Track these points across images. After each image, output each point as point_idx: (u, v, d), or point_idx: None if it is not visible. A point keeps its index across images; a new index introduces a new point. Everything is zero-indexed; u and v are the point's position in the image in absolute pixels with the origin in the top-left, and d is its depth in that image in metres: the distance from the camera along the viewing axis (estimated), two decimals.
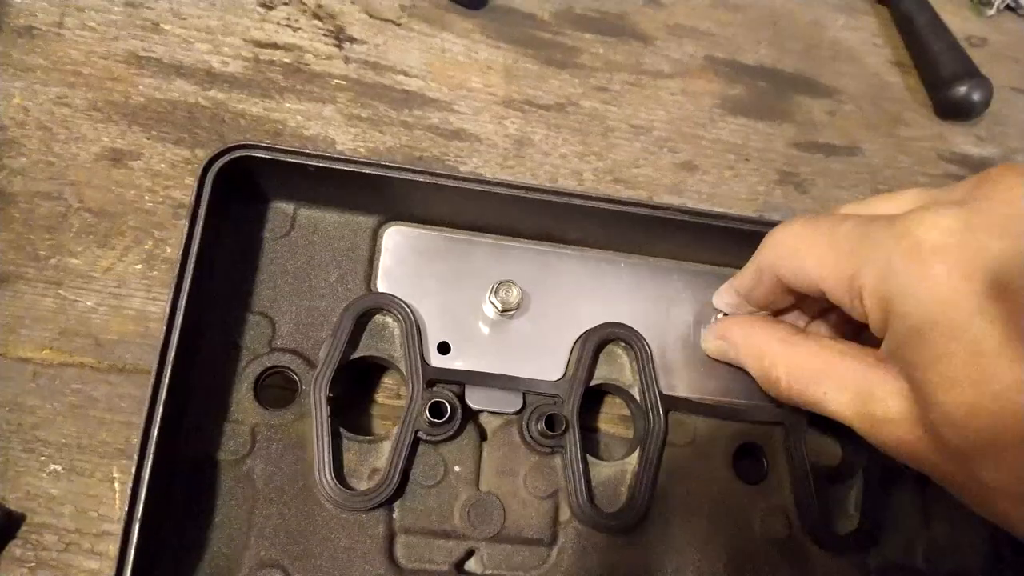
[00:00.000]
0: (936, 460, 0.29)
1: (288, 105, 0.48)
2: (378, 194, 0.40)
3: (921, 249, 0.26)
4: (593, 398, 0.45)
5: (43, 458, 0.38)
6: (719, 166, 0.53)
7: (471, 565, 0.38)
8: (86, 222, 0.43)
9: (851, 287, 0.29)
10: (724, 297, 0.41)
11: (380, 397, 0.42)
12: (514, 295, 0.39)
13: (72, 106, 0.45)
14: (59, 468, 0.38)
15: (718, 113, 0.55)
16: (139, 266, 0.42)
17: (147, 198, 0.44)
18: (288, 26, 0.50)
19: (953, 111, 0.57)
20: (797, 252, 0.32)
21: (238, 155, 0.36)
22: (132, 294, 0.42)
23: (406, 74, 0.51)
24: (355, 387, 0.42)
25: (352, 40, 0.51)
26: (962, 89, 0.56)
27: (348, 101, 0.49)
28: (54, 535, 0.37)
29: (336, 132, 0.48)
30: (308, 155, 0.37)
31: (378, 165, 0.38)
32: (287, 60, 0.49)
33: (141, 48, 0.48)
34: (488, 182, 0.40)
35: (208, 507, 0.36)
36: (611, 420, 0.45)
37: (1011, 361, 0.25)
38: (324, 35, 0.51)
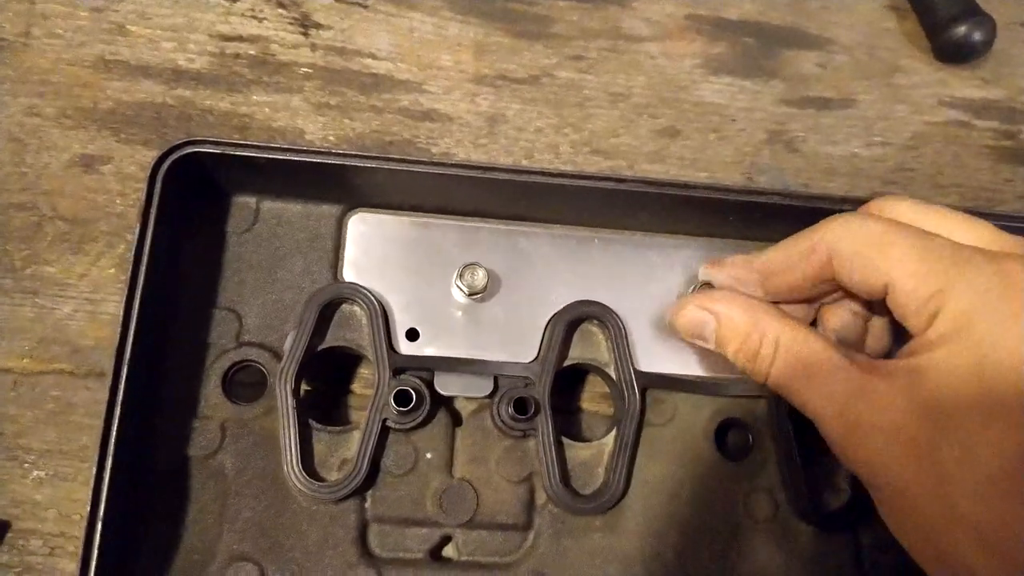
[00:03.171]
0: (919, 482, 0.29)
1: (255, 98, 0.48)
2: (340, 183, 0.39)
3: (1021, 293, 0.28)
4: (575, 378, 0.44)
5: (26, 465, 0.39)
6: (703, 129, 0.52)
7: (448, 552, 0.38)
8: (60, 230, 0.43)
9: (930, 301, 0.30)
10: (729, 271, 0.38)
11: (357, 387, 0.42)
12: (480, 278, 0.39)
13: (42, 115, 0.46)
14: (42, 474, 0.39)
15: (701, 74, 0.53)
16: (112, 270, 0.43)
17: (118, 202, 0.44)
18: (253, 17, 0.50)
19: (954, 54, 0.54)
20: (875, 247, 0.32)
21: (186, 152, 0.36)
22: (107, 299, 0.42)
23: (374, 57, 0.50)
24: (332, 378, 0.42)
25: (318, 26, 0.50)
26: (961, 29, 0.53)
27: (316, 89, 0.49)
28: (39, 540, 0.38)
29: (305, 122, 0.48)
30: (257, 147, 0.37)
31: (330, 153, 0.37)
32: (253, 52, 0.49)
33: (108, 52, 0.48)
34: (450, 164, 0.39)
35: (180, 503, 0.36)
36: (594, 399, 0.44)
37: None
38: (289, 23, 0.50)
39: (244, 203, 0.40)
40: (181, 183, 0.37)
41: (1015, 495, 0.27)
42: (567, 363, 0.40)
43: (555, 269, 0.41)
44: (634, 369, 0.39)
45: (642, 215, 0.42)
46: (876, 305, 0.36)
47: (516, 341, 0.40)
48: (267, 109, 0.48)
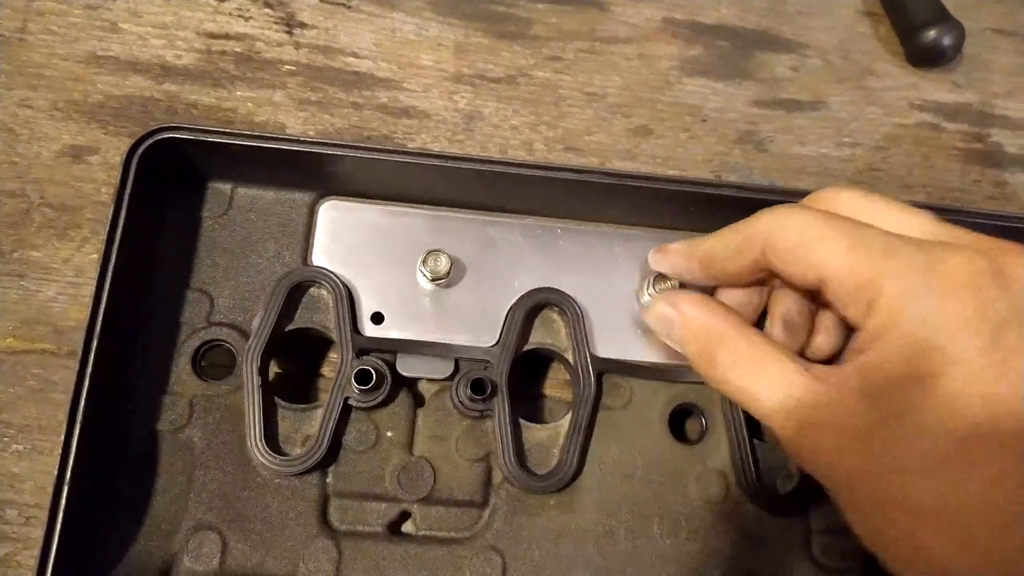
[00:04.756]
0: (871, 475, 0.30)
1: (239, 93, 0.50)
2: (312, 171, 0.41)
3: (952, 281, 0.29)
4: (539, 365, 0.45)
5: (6, 439, 0.41)
6: (675, 129, 0.53)
7: (407, 527, 0.39)
8: (47, 217, 0.45)
9: (862, 291, 0.31)
10: (672, 259, 0.39)
11: (327, 371, 0.44)
12: (442, 264, 0.40)
13: (35, 107, 0.48)
14: (21, 448, 0.41)
15: (675, 76, 0.55)
16: (95, 256, 0.44)
17: (103, 191, 0.46)
18: (240, 16, 0.52)
19: (925, 58, 0.55)
20: (807, 239, 0.32)
21: (162, 138, 0.38)
22: (89, 282, 0.44)
23: (356, 55, 0.52)
24: (303, 361, 0.43)
25: (303, 25, 0.52)
26: (931, 34, 0.54)
27: (298, 86, 0.51)
28: (15, 510, 0.40)
29: (286, 117, 0.50)
30: (231, 134, 0.39)
31: (301, 141, 0.39)
32: (239, 49, 0.51)
33: (99, 48, 0.50)
34: (418, 153, 0.41)
35: (149, 475, 0.38)
36: (557, 386, 0.45)
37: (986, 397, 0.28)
38: (275, 23, 0.52)
39: (219, 189, 0.42)
40: (158, 168, 0.39)
41: (955, 464, 0.28)
42: (527, 348, 0.41)
43: (520, 258, 0.42)
44: (591, 354, 0.40)
45: (605, 207, 0.43)
46: (820, 296, 0.37)
47: (478, 326, 0.41)
48: (250, 104, 0.50)
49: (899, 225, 0.33)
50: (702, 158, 0.52)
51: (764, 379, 0.32)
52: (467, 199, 0.43)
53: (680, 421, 0.43)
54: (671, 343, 0.37)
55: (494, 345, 0.40)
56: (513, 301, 0.41)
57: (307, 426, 0.39)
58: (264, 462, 0.37)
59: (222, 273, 0.41)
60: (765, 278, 0.37)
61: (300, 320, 0.40)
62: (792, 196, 0.41)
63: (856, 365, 0.31)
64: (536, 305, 0.41)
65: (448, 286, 0.41)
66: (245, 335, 0.39)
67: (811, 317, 0.37)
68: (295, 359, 0.43)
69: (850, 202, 0.34)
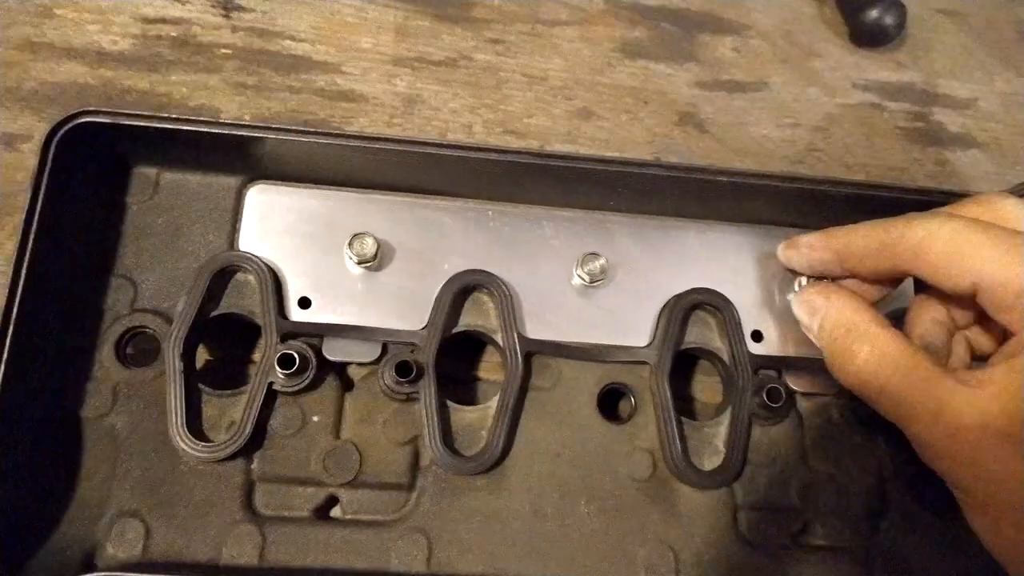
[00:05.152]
0: (1003, 484, 0.30)
1: (174, 78, 0.49)
2: (239, 154, 0.41)
3: None
4: (476, 347, 0.45)
5: None
6: (616, 111, 0.53)
7: (335, 512, 0.39)
8: None
9: (1021, 296, 0.31)
10: (807, 252, 0.39)
11: (257, 356, 0.44)
12: (368, 246, 0.40)
13: None
14: None
15: (617, 58, 0.54)
16: None
17: None
18: (177, 0, 0.51)
19: (868, 38, 0.55)
20: (962, 245, 0.33)
21: (78, 122, 0.37)
22: None
23: (294, 39, 0.52)
24: (233, 347, 0.43)
25: (240, 9, 0.52)
26: (873, 13, 0.54)
27: (234, 70, 0.50)
28: None
29: (221, 101, 0.49)
30: (149, 117, 0.38)
31: (221, 123, 0.39)
32: (175, 34, 0.51)
33: (34, 34, 0.49)
34: (347, 136, 0.41)
35: (73, 461, 0.37)
36: (492, 368, 0.45)
37: None
38: (212, 6, 0.52)
39: (145, 174, 0.41)
40: (79, 153, 0.38)
41: None
42: (457, 330, 0.41)
43: (450, 240, 0.42)
44: (519, 335, 0.40)
45: (537, 189, 0.43)
46: (963, 314, 0.37)
47: (407, 309, 0.41)
48: (184, 89, 0.49)
49: None
50: (643, 140, 0.52)
51: (903, 376, 0.32)
52: (398, 182, 0.42)
53: (611, 401, 0.43)
54: (810, 334, 0.38)
55: (422, 328, 0.40)
56: (441, 283, 0.41)
57: (232, 412, 0.39)
58: (186, 448, 0.37)
59: (147, 259, 0.40)
60: (893, 280, 0.38)
61: (226, 305, 0.40)
62: (727, 175, 0.41)
63: (1008, 367, 0.31)
64: (464, 287, 0.41)
65: (377, 269, 0.41)
66: (170, 321, 0.39)
67: (949, 341, 0.37)
68: (226, 345, 0.43)
69: (1010, 211, 0.35)
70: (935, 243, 0.34)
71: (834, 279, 0.40)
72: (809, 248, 0.39)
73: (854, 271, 0.38)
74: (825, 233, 0.39)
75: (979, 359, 0.38)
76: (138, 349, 0.41)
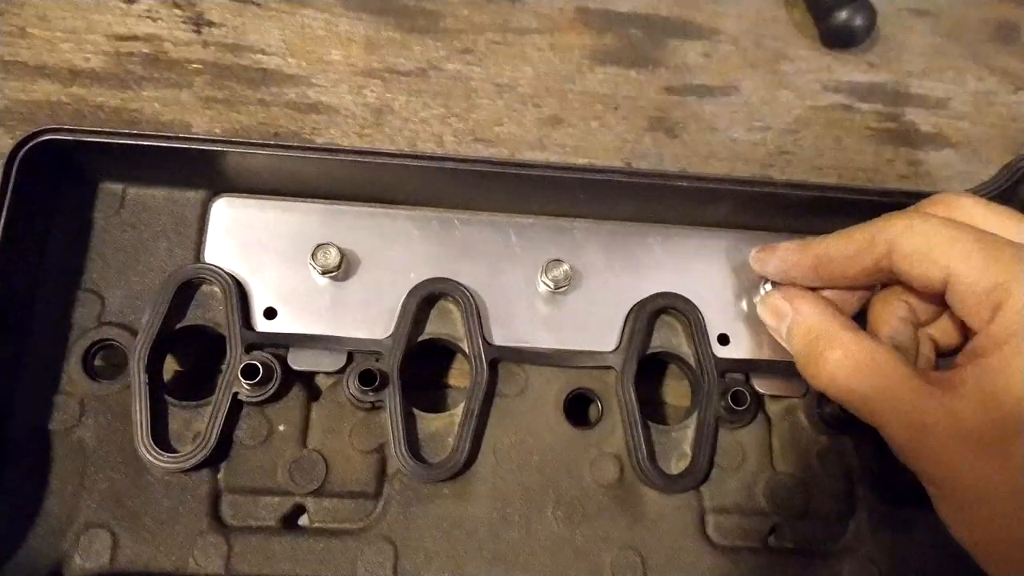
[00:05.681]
0: (989, 479, 0.30)
1: (146, 94, 0.50)
2: (204, 169, 0.41)
3: None
4: (445, 356, 0.45)
5: None
6: (586, 118, 0.53)
7: (303, 521, 0.39)
8: None
9: (988, 294, 0.31)
10: (783, 255, 0.39)
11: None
12: (332, 257, 0.40)
13: None
14: None
15: (587, 65, 0.55)
16: None
17: None
18: (148, 17, 0.52)
19: (838, 39, 0.56)
20: (937, 242, 0.33)
21: (44, 139, 0.38)
22: None
23: (264, 52, 0.52)
24: (203, 359, 0.43)
25: (211, 24, 0.52)
26: (842, 15, 0.54)
27: (204, 84, 0.51)
28: None
29: (192, 116, 0.50)
30: (113, 133, 0.39)
31: (182, 138, 0.39)
32: (146, 51, 0.51)
33: (7, 53, 0.50)
34: (309, 148, 0.41)
35: (42, 474, 0.38)
36: (462, 375, 0.45)
37: None
38: (183, 22, 0.52)
39: (111, 189, 0.42)
40: (44, 171, 0.39)
41: None
42: (423, 338, 0.41)
43: (415, 249, 0.43)
44: (484, 342, 0.41)
45: (499, 197, 0.43)
46: (927, 310, 0.38)
47: (372, 318, 0.41)
48: (156, 104, 0.50)
49: (1019, 234, 0.33)
50: (613, 146, 0.53)
51: (875, 380, 0.33)
52: (362, 193, 0.43)
53: (579, 407, 0.43)
54: (778, 336, 0.38)
55: (387, 337, 0.41)
56: (407, 292, 0.41)
57: (197, 423, 0.39)
58: (152, 459, 0.37)
59: (114, 273, 0.41)
60: (872, 283, 0.38)
61: (191, 318, 0.40)
62: (706, 182, 0.42)
63: (975, 369, 0.31)
64: (429, 295, 0.41)
65: (342, 279, 0.41)
66: (136, 334, 0.39)
67: (916, 338, 0.37)
68: (195, 358, 0.44)
69: (970, 209, 0.35)
70: (911, 237, 0.34)
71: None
72: (785, 253, 0.39)
73: (831, 279, 0.38)
74: (803, 241, 0.39)
75: (942, 354, 0.38)
76: (107, 362, 0.41)
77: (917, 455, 0.32)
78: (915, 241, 0.34)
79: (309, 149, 0.40)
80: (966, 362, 0.33)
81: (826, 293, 0.39)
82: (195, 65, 0.51)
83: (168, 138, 0.39)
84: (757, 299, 0.41)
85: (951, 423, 0.31)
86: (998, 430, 0.30)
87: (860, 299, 0.39)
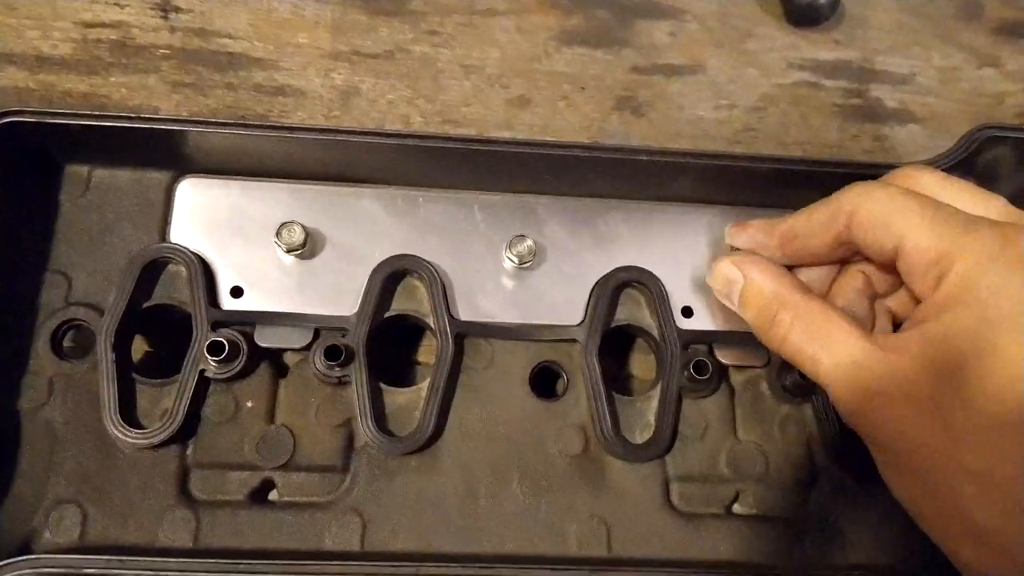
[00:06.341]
0: (928, 440, 0.31)
1: (113, 79, 0.50)
2: (168, 150, 0.41)
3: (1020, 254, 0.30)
4: (414, 333, 0.46)
5: None
6: (553, 98, 0.54)
7: (273, 496, 0.40)
8: None
9: (936, 263, 0.32)
10: (751, 233, 0.40)
11: None
12: (296, 235, 0.41)
13: None
14: None
15: (554, 46, 0.55)
16: None
17: None
18: (116, 4, 0.52)
19: (803, 17, 0.56)
20: (891, 210, 0.34)
21: (7, 121, 0.38)
22: None
23: (231, 37, 0.52)
24: (172, 339, 0.44)
25: (178, 10, 0.53)
26: None
27: (172, 69, 0.51)
28: None
29: (159, 100, 0.50)
30: (74, 115, 0.39)
31: (143, 118, 0.39)
32: (114, 37, 0.51)
33: None
34: (272, 127, 0.41)
35: (10, 452, 0.38)
36: (431, 352, 0.46)
37: None
38: (150, 8, 0.52)
39: (76, 172, 0.42)
40: (7, 153, 0.39)
41: (1012, 439, 0.29)
42: (389, 314, 0.42)
43: (381, 227, 0.43)
44: (449, 317, 0.41)
45: (464, 174, 0.43)
46: (884, 282, 0.38)
47: (338, 295, 0.41)
48: (124, 90, 0.50)
49: (974, 207, 0.34)
50: (580, 126, 0.53)
51: (826, 341, 0.34)
52: (327, 171, 0.43)
53: (547, 382, 0.44)
54: (730, 304, 0.39)
55: (353, 313, 0.41)
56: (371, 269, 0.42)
57: (166, 400, 0.39)
58: (120, 436, 0.38)
59: (80, 254, 0.41)
60: (839, 258, 0.38)
61: (158, 297, 0.41)
62: (666, 155, 0.42)
63: (920, 333, 0.32)
64: (394, 272, 0.42)
65: (308, 257, 0.42)
66: (103, 315, 0.40)
67: (871, 309, 0.38)
68: (163, 339, 0.44)
69: (929, 182, 0.36)
70: (868, 205, 0.35)
71: None
72: (755, 232, 0.40)
73: (797, 255, 0.39)
74: (770, 220, 0.40)
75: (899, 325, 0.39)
76: (75, 343, 0.41)
77: (862, 418, 0.33)
78: (871, 209, 0.35)
79: (272, 128, 0.41)
80: (911, 327, 0.33)
81: (801, 276, 0.39)
82: (162, 50, 0.51)
83: (131, 118, 0.40)
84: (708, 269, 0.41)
85: (894, 385, 0.31)
86: (937, 393, 0.30)
87: (827, 275, 0.40)
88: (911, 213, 0.33)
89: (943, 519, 0.31)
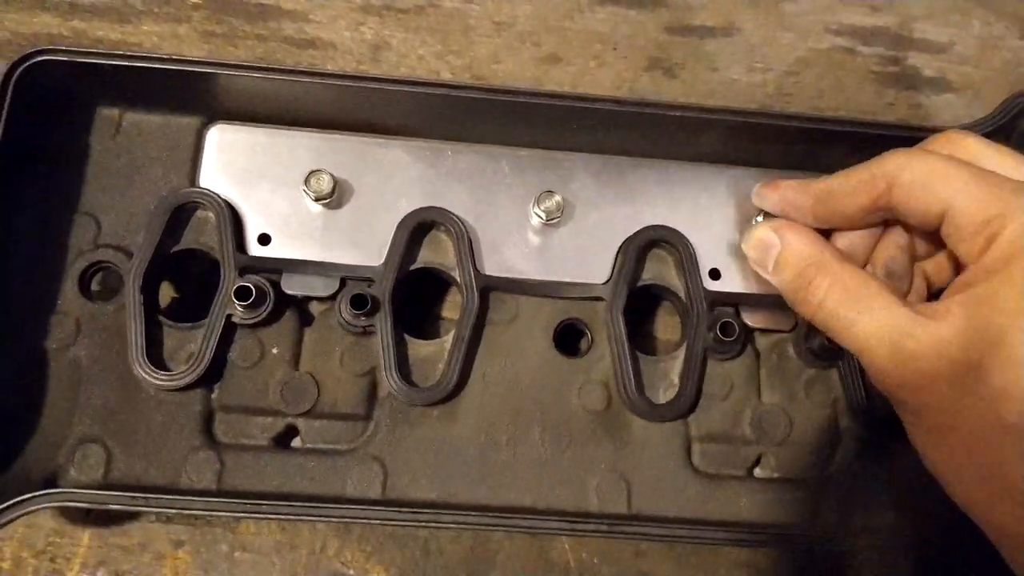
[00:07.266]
0: (968, 401, 0.30)
1: (145, 28, 0.50)
2: (199, 94, 0.41)
3: None
4: (439, 288, 0.46)
5: None
6: (584, 56, 0.53)
7: (296, 443, 0.40)
8: None
9: (986, 226, 0.32)
10: (784, 192, 0.38)
11: None
12: (325, 183, 0.40)
13: None
14: None
15: (586, 3, 0.54)
16: None
17: None
18: None
19: None
20: (932, 177, 0.33)
21: (37, 60, 0.38)
22: None
23: None
24: (201, 284, 0.44)
25: None
26: None
27: (203, 19, 0.51)
28: None
29: (190, 49, 0.50)
30: (106, 55, 0.39)
31: (174, 60, 0.40)
32: None
33: None
34: (304, 72, 0.41)
35: (38, 390, 0.39)
36: (455, 308, 0.46)
37: None
38: None
39: (107, 114, 0.42)
40: (39, 91, 0.39)
41: None
42: (415, 266, 0.42)
43: (408, 178, 0.43)
44: (475, 271, 0.41)
45: (493, 127, 0.43)
46: (922, 247, 0.38)
47: (365, 245, 0.41)
48: (155, 38, 0.50)
49: (1018, 173, 0.34)
50: (611, 85, 0.52)
51: (864, 307, 0.33)
52: (356, 121, 0.43)
53: (570, 340, 0.44)
54: (763, 271, 0.38)
55: (380, 264, 0.41)
56: (399, 220, 0.41)
57: (192, 344, 0.40)
58: (146, 376, 0.38)
59: (110, 197, 0.41)
60: (869, 224, 0.37)
61: (186, 241, 0.41)
62: (698, 112, 0.41)
63: (965, 297, 0.31)
64: (421, 224, 0.41)
65: (336, 207, 0.42)
66: (131, 257, 0.40)
67: (911, 270, 0.38)
68: (191, 284, 0.44)
69: (971, 146, 0.35)
70: (912, 170, 0.34)
71: None
72: (786, 190, 0.39)
73: (829, 217, 0.38)
74: (805, 180, 0.39)
75: (932, 292, 0.39)
76: (103, 285, 0.42)
77: (899, 383, 0.32)
78: (915, 174, 0.34)
79: (303, 73, 0.41)
80: (954, 293, 0.33)
81: (836, 238, 0.38)
82: (194, 0, 0.51)
83: (164, 59, 0.40)
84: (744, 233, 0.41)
85: (934, 351, 0.31)
86: (979, 358, 0.30)
87: (869, 250, 0.39)
88: (958, 177, 0.33)
89: (982, 480, 0.31)
